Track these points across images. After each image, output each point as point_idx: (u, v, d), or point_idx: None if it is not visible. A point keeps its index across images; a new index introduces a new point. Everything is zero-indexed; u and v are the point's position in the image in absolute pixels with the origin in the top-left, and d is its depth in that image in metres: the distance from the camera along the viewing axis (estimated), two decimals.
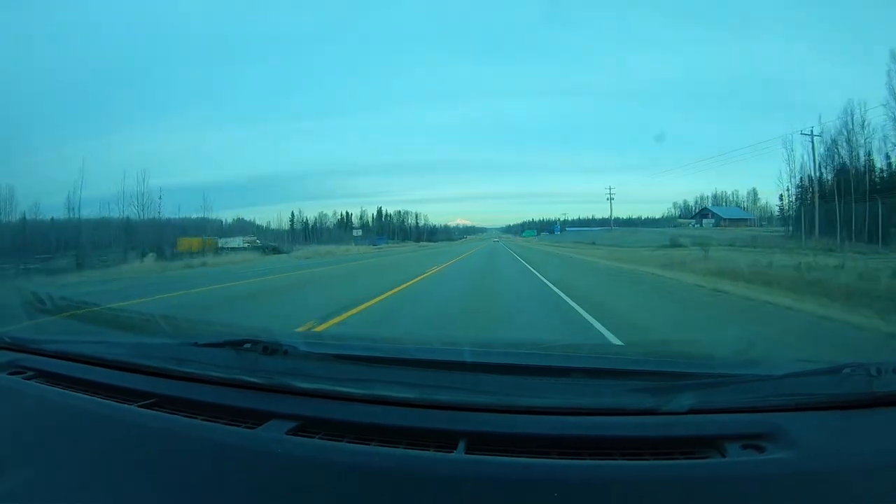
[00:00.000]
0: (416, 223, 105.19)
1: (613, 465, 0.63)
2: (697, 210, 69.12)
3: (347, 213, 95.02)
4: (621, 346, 3.24)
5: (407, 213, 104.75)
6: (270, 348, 0.95)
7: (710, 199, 71.65)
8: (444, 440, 0.69)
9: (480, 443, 0.68)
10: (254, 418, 0.79)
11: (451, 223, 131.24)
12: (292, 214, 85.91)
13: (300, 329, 4.18)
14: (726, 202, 72.40)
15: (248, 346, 0.97)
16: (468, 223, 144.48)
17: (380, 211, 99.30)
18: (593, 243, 40.75)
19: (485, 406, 0.75)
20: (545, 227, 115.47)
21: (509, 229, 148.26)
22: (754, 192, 69.44)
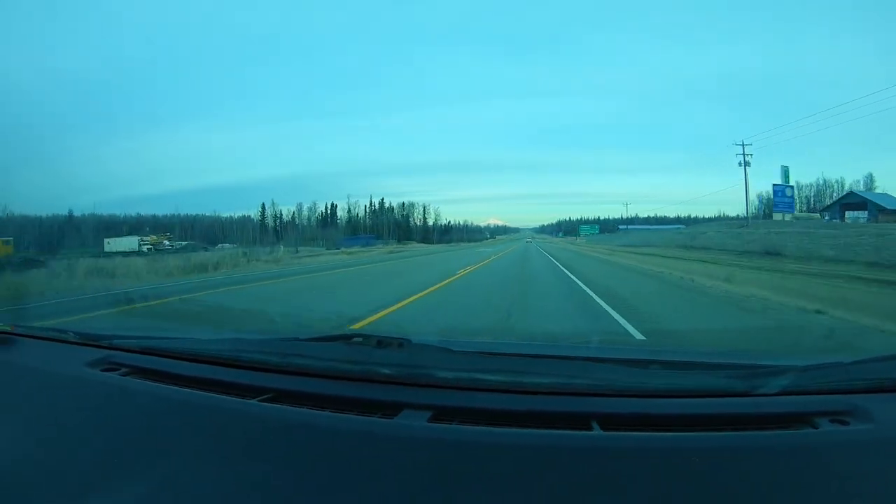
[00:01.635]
0: (424, 219, 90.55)
1: (723, 435, 0.71)
2: (838, 197, 47.29)
3: (332, 205, 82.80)
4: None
5: (412, 205, 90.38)
6: (384, 342, 0.96)
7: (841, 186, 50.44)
8: (578, 422, 0.75)
9: (610, 423, 0.75)
10: (384, 409, 0.81)
11: (483, 223, 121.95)
12: (263, 207, 76.36)
13: None
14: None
15: (358, 339, 1.00)
16: (501, 223, 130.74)
17: (381, 203, 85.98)
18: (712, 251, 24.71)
19: (610, 391, 0.82)
20: (582, 227, 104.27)
21: (543, 229, 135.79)
22: None
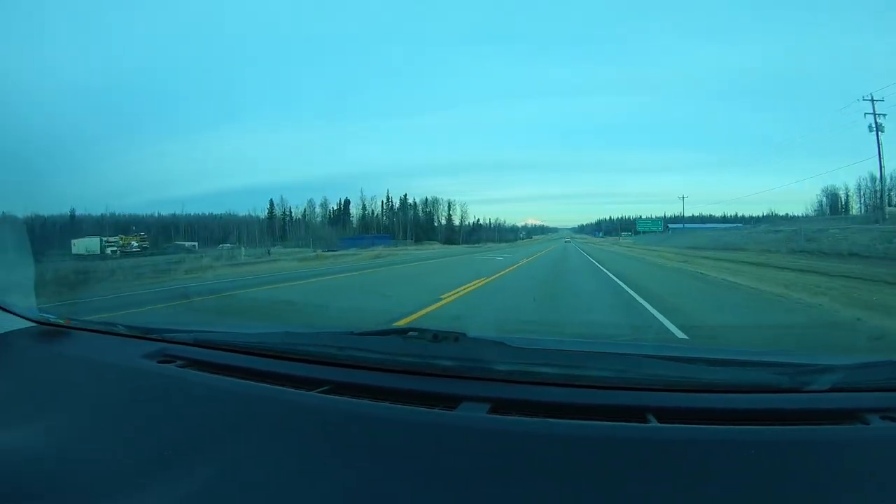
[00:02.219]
0: (449, 217, 79.95)
1: (776, 429, 0.73)
2: None
3: (345, 201, 72.94)
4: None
5: (436, 202, 79.61)
6: (440, 336, 0.96)
7: None
8: (634, 414, 0.77)
9: (666, 416, 0.76)
10: (444, 402, 0.83)
11: (521, 223, 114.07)
12: (271, 204, 67.42)
13: None
14: None
15: (413, 333, 0.99)
16: (539, 223, 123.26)
17: (403, 200, 76.26)
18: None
19: (664, 386, 0.84)
20: (625, 227, 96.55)
21: (582, 229, 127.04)
22: None
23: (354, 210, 74.33)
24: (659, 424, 0.74)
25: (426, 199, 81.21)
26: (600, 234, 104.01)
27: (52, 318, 1.32)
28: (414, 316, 5.12)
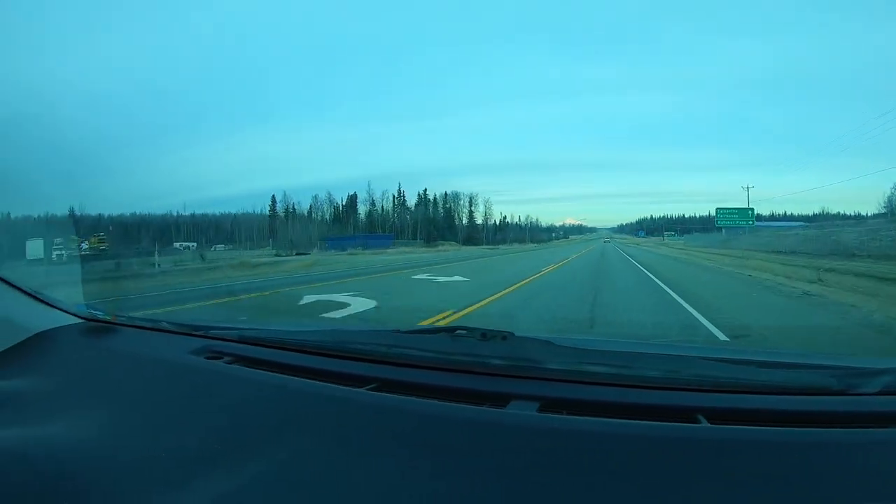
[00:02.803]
0: (471, 214, 69.39)
1: (824, 431, 0.72)
2: None
3: (352, 196, 63.82)
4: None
5: (457, 197, 69.08)
6: (488, 335, 0.96)
7: None
8: (683, 415, 0.76)
9: (716, 417, 0.75)
10: (494, 400, 0.82)
11: (558, 222, 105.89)
12: (273, 201, 60.50)
13: None
14: None
15: (461, 332, 0.98)
16: (577, 222, 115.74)
17: (423, 195, 66.84)
18: None
19: (714, 386, 0.83)
20: (669, 226, 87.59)
21: (622, 228, 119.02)
22: None
23: (364, 207, 66.09)
24: (709, 425, 0.73)
25: (445, 195, 70.04)
26: (642, 234, 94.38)
27: (99, 314, 1.34)
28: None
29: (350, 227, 60.21)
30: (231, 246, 41.72)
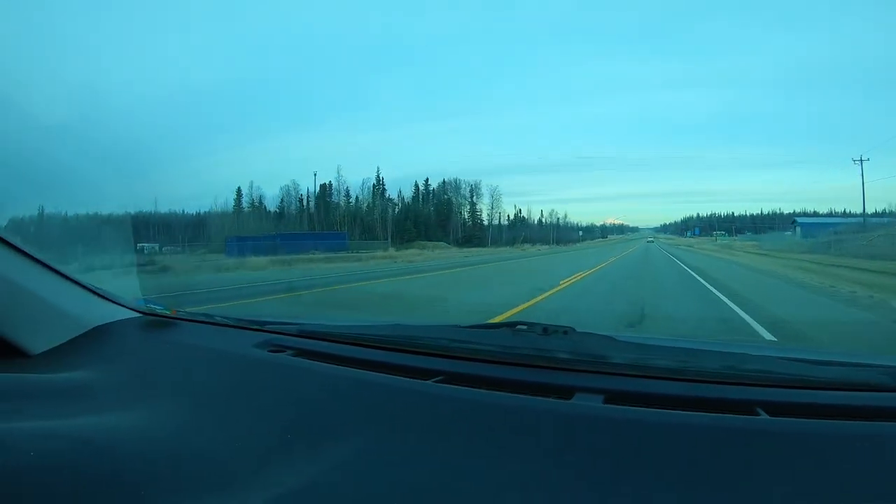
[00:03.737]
0: (473, 209, 55.67)
1: (877, 425, 0.73)
2: None
3: (326, 185, 50.53)
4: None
5: (458, 185, 54.97)
6: (550, 329, 0.97)
7: None
8: (744, 408, 0.78)
9: (775, 410, 0.77)
10: (559, 393, 0.84)
11: (599, 222, 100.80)
12: (238, 193, 48.19)
13: None
14: None
15: (522, 327, 1.00)
16: (618, 222, 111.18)
17: (425, 186, 53.17)
18: None
19: (772, 381, 0.85)
20: (719, 226, 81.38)
21: (665, 228, 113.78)
22: None
23: (343, 199, 51.35)
24: (768, 417, 0.75)
25: (443, 182, 54.80)
26: (689, 234, 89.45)
27: (158, 308, 1.35)
28: None
29: (301, 222, 47.91)
30: (176, 247, 35.53)
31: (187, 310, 1.43)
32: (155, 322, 1.30)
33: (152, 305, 1.36)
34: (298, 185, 51.17)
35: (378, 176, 51.40)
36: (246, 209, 47.95)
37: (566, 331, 0.97)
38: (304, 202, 50.85)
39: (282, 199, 50.72)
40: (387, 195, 52.49)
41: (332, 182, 52.27)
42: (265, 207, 49.57)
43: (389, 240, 44.32)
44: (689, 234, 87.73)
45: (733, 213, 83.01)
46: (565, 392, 0.84)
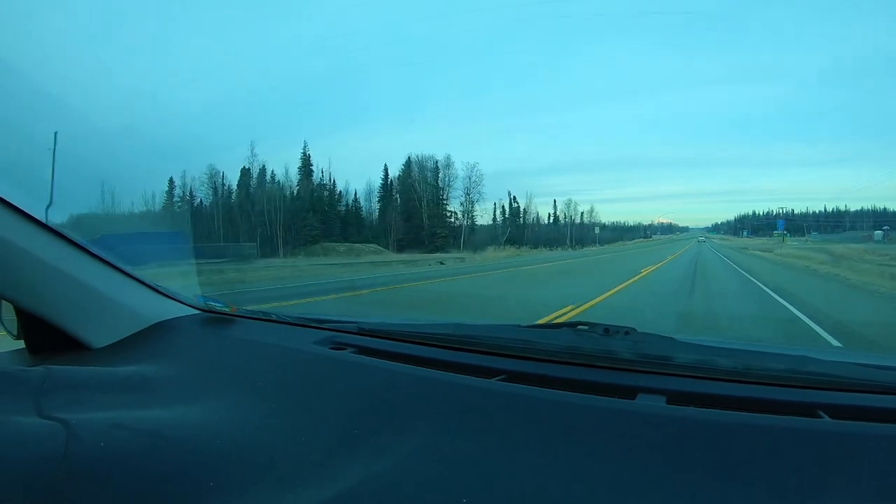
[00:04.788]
0: (438, 198, 40.96)
1: None
2: None
3: (245, 169, 36.97)
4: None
5: (423, 164, 42.02)
6: (611, 330, 0.98)
7: None
8: (805, 410, 0.78)
9: (837, 414, 0.76)
10: (622, 393, 0.85)
11: (647, 221, 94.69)
12: (170, 183, 36.55)
13: None
14: None
15: (583, 328, 1.01)
16: (667, 221, 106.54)
17: (404, 170, 41.10)
18: None
19: (834, 384, 0.84)
20: (773, 225, 74.15)
21: (717, 227, 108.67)
22: None
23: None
24: (831, 419, 0.75)
25: (408, 161, 40.60)
26: (746, 234, 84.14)
27: (218, 305, 1.38)
28: None
29: (205, 219, 34.84)
30: None
31: (246, 308, 1.45)
32: (214, 319, 1.33)
33: (211, 303, 1.39)
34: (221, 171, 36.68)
35: (305, 154, 35.05)
36: (177, 203, 36.11)
37: (627, 331, 0.98)
38: (222, 193, 36.83)
39: (216, 189, 36.58)
40: (316, 180, 36.06)
41: (267, 168, 37.26)
42: (196, 201, 36.93)
43: (279, 241, 32.70)
44: (744, 233, 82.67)
45: (793, 211, 77.57)
46: (628, 392, 0.84)
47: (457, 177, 42.74)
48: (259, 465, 0.68)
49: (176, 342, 1.17)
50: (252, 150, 37.29)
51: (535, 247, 44.46)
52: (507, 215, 49.23)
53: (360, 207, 42.29)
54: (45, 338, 1.09)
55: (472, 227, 43.75)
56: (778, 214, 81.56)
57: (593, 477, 0.65)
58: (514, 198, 50.17)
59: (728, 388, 0.85)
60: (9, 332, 1.14)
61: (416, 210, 41.20)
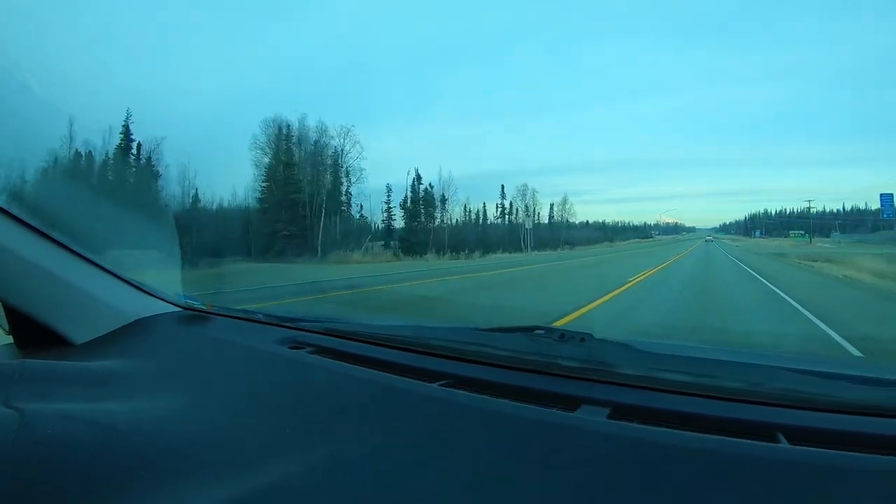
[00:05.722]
0: (338, 181, 27.67)
1: None
2: None
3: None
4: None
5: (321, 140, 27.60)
6: (567, 335, 0.97)
7: None
8: (762, 431, 0.72)
9: (798, 436, 0.71)
10: (564, 403, 0.83)
11: (652, 221, 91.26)
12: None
13: None
14: None
15: (539, 332, 1.00)
16: (673, 221, 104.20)
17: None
18: None
19: (799, 403, 0.78)
20: (792, 225, 69.43)
21: (725, 228, 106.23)
22: None
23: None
24: (788, 445, 0.69)
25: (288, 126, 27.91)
26: (758, 234, 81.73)
27: (196, 303, 1.44)
28: None
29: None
30: None
31: (223, 306, 1.51)
32: (192, 316, 1.39)
33: (190, 301, 1.45)
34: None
35: (126, 126, 23.19)
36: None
37: (584, 337, 0.95)
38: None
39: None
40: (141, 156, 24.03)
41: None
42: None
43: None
44: (757, 233, 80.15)
45: (809, 209, 75.93)
46: (571, 402, 0.82)
47: (347, 150, 29.80)
48: (195, 458, 0.71)
49: (151, 339, 1.22)
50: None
51: (457, 252, 30.46)
52: (387, 211, 32.35)
53: None
54: (31, 334, 1.14)
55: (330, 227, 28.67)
56: (792, 213, 79.54)
57: (518, 494, 0.63)
58: (426, 189, 32.83)
59: (678, 402, 0.80)
60: (0, 327, 1.20)
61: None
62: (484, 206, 40.16)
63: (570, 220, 45.76)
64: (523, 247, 36.99)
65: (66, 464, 0.65)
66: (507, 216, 40.44)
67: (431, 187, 34.10)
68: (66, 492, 0.62)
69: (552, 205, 44.66)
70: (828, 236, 51.72)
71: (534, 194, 41.17)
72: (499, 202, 42.12)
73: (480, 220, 38.50)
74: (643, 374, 0.86)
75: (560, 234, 43.37)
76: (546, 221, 43.64)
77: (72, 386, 0.88)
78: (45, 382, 0.85)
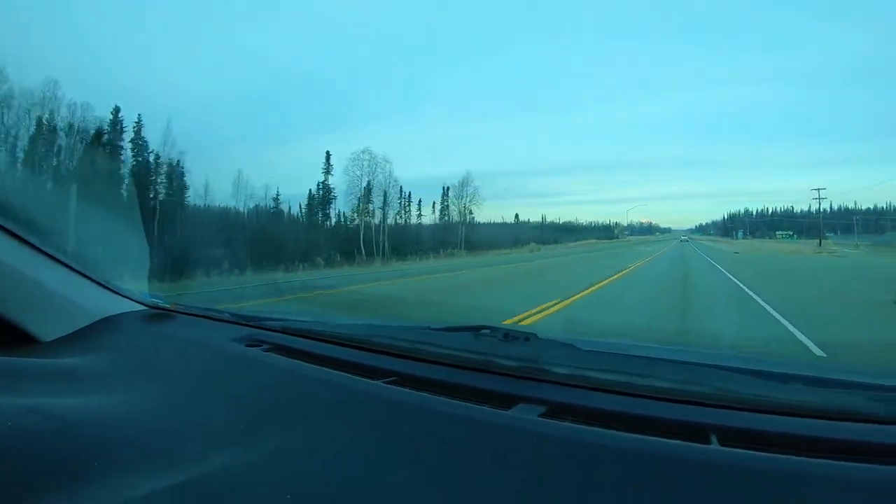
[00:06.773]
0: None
1: (851, 466, 0.65)
2: None
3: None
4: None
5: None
6: (511, 335, 0.99)
7: None
8: (695, 432, 0.73)
9: (731, 437, 0.71)
10: (501, 401, 0.85)
11: (625, 222, 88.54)
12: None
13: None
14: None
15: (486, 332, 1.02)
16: (648, 221, 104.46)
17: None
18: None
19: (733, 403, 0.78)
20: (773, 225, 74.77)
21: (701, 229, 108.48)
22: None
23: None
24: (720, 447, 0.69)
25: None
26: (740, 234, 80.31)
27: (160, 302, 1.50)
28: None
29: None
30: None
31: (187, 304, 1.56)
32: (157, 315, 1.43)
33: (155, 299, 1.50)
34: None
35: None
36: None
37: (528, 337, 0.98)
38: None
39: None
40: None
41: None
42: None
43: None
44: (739, 234, 77.86)
45: (792, 209, 76.25)
46: (508, 401, 0.84)
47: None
48: (142, 450, 0.74)
49: (116, 337, 1.26)
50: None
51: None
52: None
53: None
54: (1, 332, 1.17)
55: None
56: (775, 213, 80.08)
57: (450, 491, 0.65)
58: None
59: (613, 402, 0.81)
60: None
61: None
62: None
63: (474, 218, 39.15)
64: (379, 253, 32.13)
65: (25, 455, 0.68)
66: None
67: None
68: (24, 480, 0.64)
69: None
70: (825, 237, 49.25)
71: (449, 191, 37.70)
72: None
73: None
74: (580, 373, 0.88)
75: (481, 235, 37.93)
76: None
77: (37, 382, 0.91)
78: (10, 378, 0.89)
